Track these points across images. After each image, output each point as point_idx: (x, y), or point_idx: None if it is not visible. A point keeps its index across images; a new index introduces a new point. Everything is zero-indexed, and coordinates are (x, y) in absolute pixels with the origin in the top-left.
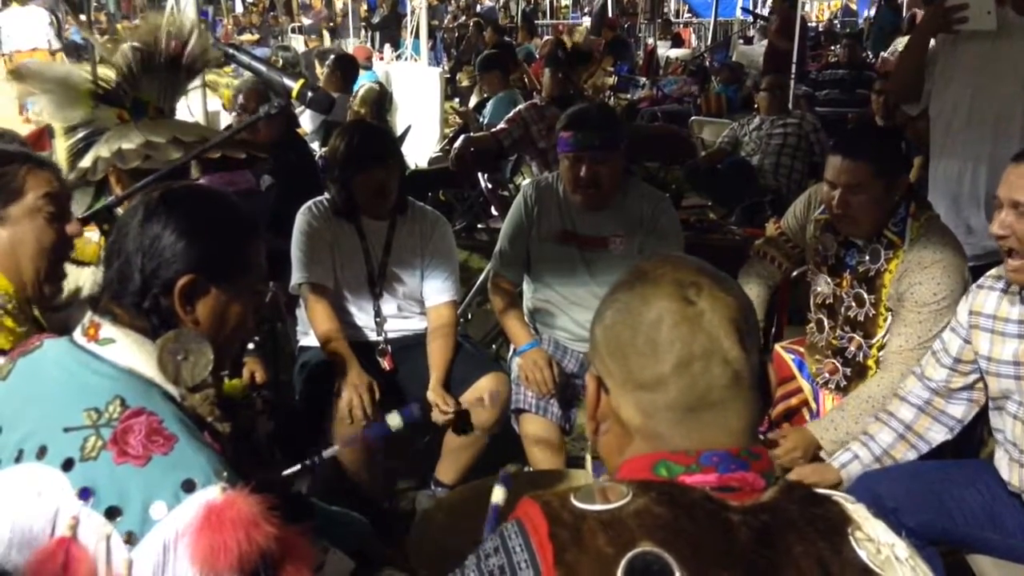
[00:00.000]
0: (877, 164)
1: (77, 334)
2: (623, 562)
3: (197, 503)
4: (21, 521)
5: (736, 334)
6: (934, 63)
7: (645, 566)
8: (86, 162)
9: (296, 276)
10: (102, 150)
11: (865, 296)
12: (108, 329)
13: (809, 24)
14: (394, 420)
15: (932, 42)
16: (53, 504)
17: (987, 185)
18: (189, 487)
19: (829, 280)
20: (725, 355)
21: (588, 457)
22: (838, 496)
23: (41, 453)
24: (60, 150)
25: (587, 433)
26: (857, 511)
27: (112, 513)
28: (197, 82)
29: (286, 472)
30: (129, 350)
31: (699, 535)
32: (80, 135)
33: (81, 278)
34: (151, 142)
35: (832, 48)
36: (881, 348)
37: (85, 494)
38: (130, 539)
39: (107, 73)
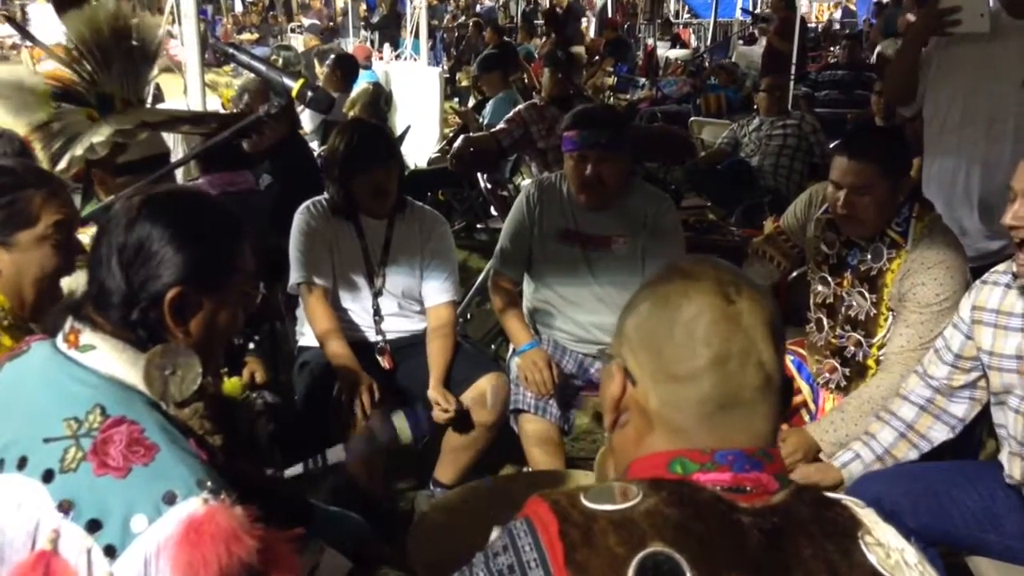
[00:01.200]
0: (883, 165)
1: (59, 340)
2: (634, 562)
3: (177, 517)
4: (2, 534)
5: (771, 338)
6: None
7: (656, 566)
8: (62, 165)
9: (295, 276)
10: (76, 150)
11: (866, 295)
12: (88, 335)
13: (808, 25)
14: (400, 423)
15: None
16: (33, 517)
17: (980, 186)
18: (170, 499)
19: (830, 279)
20: (760, 356)
21: (601, 452)
22: (848, 500)
23: (22, 464)
24: (42, 159)
25: (605, 424)
26: (867, 515)
27: (92, 526)
28: (193, 80)
29: (288, 472)
30: (109, 356)
31: (710, 536)
32: (58, 144)
33: (75, 282)
34: (119, 130)
35: (831, 49)
36: (881, 348)
37: (65, 507)
38: (110, 553)
39: (64, 73)
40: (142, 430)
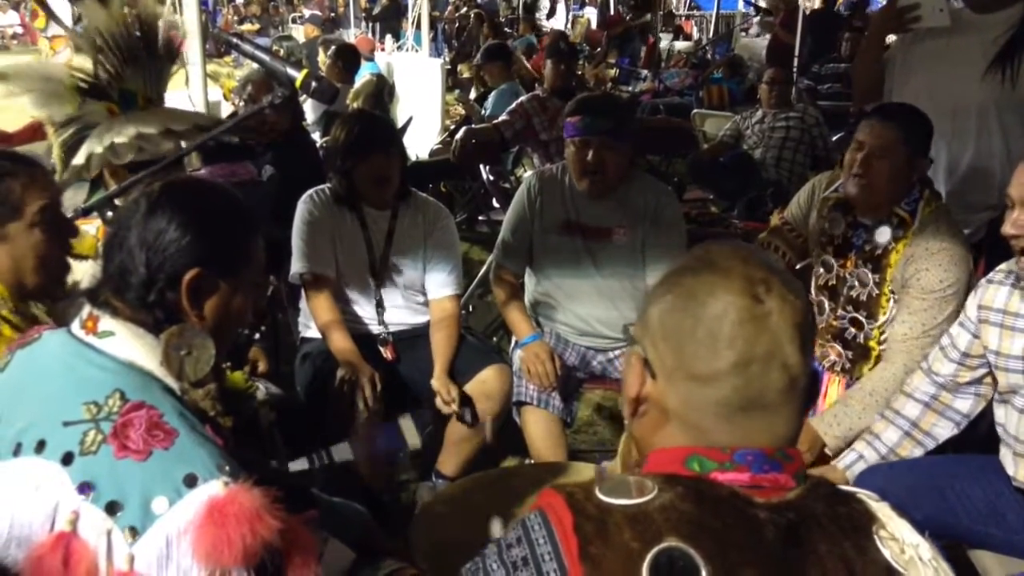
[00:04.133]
0: (906, 132)
1: (75, 327)
2: (649, 557)
3: (199, 498)
4: (20, 516)
5: (799, 339)
6: (893, 63)
7: (671, 562)
8: (79, 159)
9: (297, 266)
10: (95, 146)
11: (870, 276)
12: (107, 322)
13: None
14: (407, 424)
15: (892, 39)
16: (52, 498)
17: (946, 178)
18: (191, 482)
19: (833, 261)
20: (785, 360)
21: (624, 438)
22: (863, 494)
23: (40, 447)
24: (54, 146)
25: (624, 412)
26: (882, 509)
27: (113, 508)
28: (194, 70)
29: (292, 467)
30: (128, 343)
31: (725, 532)
32: (71, 130)
33: (79, 272)
34: (143, 134)
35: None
36: (883, 331)
37: (85, 488)
38: (132, 534)
39: (88, 66)
40: (161, 415)
